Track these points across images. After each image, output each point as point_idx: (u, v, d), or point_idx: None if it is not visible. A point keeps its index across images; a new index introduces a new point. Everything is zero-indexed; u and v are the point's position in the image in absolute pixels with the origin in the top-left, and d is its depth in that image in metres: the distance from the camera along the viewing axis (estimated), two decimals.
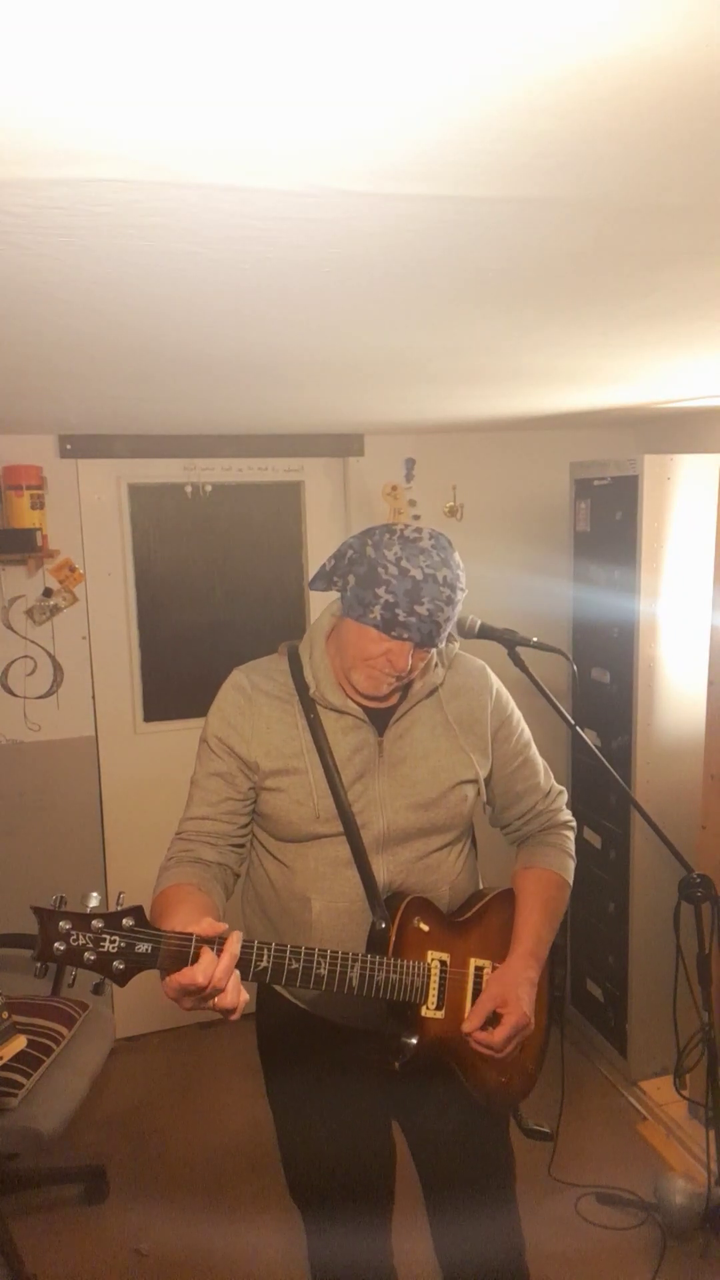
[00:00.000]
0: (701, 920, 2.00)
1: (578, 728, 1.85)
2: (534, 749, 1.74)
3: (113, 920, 1.25)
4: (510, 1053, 1.57)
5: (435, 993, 1.53)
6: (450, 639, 1.66)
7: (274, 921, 1.62)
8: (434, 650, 1.55)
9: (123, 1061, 3.29)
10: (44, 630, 3.21)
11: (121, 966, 1.25)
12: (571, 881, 1.72)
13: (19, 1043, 2.10)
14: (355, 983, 1.44)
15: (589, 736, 2.72)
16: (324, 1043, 1.64)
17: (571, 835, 1.76)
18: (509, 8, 0.53)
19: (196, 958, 1.25)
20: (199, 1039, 3.44)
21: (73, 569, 3.20)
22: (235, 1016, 1.28)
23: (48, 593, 3.18)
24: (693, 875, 1.97)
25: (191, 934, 1.26)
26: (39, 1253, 2.46)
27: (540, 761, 1.75)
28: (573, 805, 1.85)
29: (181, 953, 1.25)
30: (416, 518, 3.47)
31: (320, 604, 1.86)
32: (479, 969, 1.59)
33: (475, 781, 1.63)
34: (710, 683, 2.63)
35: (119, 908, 1.27)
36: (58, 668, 3.24)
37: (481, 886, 1.72)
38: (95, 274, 1.06)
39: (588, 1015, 3.35)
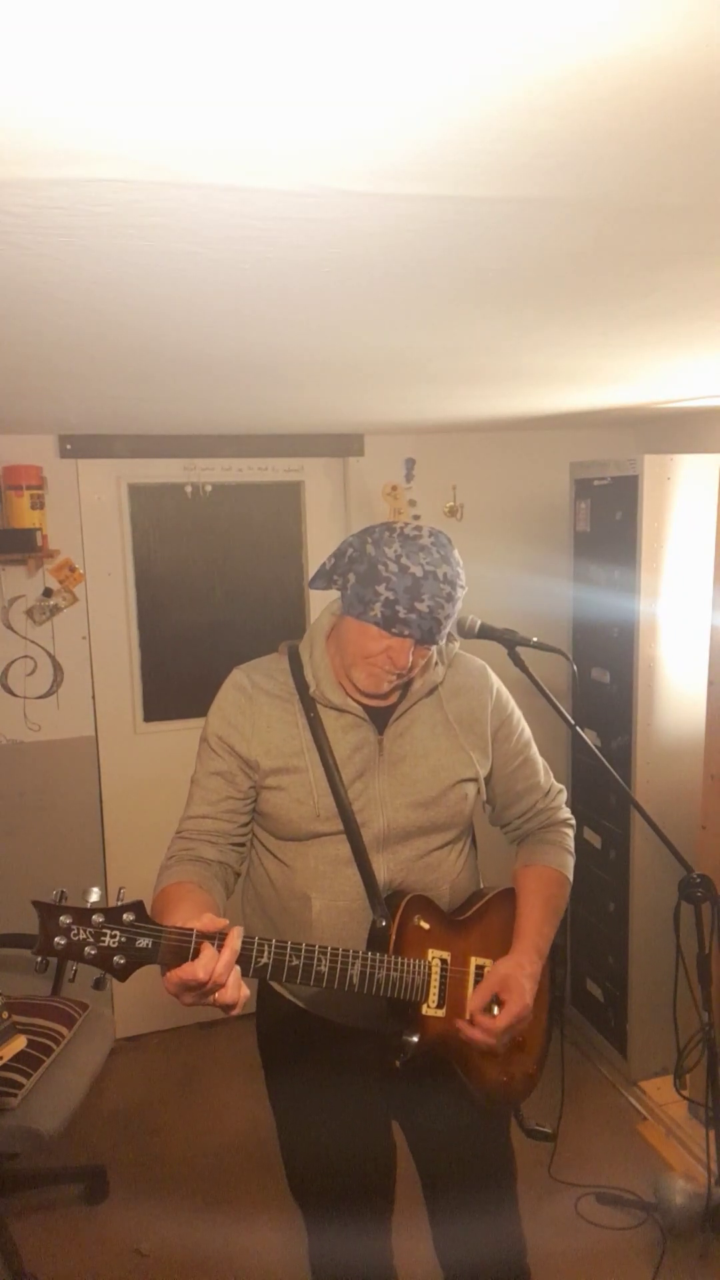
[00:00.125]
0: (701, 920, 2.01)
1: (578, 728, 1.85)
2: (534, 748, 1.74)
3: (113, 915, 1.26)
4: (507, 1044, 1.56)
5: (436, 991, 1.53)
6: (450, 638, 1.67)
7: (274, 920, 1.62)
8: (434, 648, 1.55)
9: (123, 1061, 3.29)
10: (44, 630, 3.21)
11: (122, 961, 1.25)
12: (571, 878, 1.73)
13: (19, 1043, 2.10)
14: (356, 980, 1.44)
15: (589, 736, 2.73)
16: (324, 1042, 1.64)
17: (571, 833, 1.77)
18: (509, 8, 0.54)
19: (197, 953, 1.25)
20: (199, 1039, 3.44)
21: (73, 569, 3.20)
22: (236, 1012, 1.28)
23: (48, 593, 3.18)
24: (693, 875, 1.97)
25: (192, 929, 1.26)
26: (39, 1253, 2.46)
27: (540, 760, 1.76)
28: (573, 805, 1.86)
29: (182, 948, 1.25)
30: (416, 518, 3.47)
31: (320, 603, 1.86)
32: (479, 967, 1.59)
33: (475, 780, 1.63)
34: (710, 683, 2.63)
35: (120, 903, 1.27)
36: (58, 668, 3.24)
37: (482, 885, 1.73)
38: (95, 274, 1.06)
39: (588, 1015, 3.35)
